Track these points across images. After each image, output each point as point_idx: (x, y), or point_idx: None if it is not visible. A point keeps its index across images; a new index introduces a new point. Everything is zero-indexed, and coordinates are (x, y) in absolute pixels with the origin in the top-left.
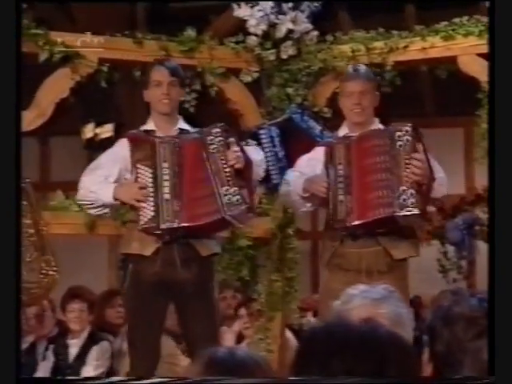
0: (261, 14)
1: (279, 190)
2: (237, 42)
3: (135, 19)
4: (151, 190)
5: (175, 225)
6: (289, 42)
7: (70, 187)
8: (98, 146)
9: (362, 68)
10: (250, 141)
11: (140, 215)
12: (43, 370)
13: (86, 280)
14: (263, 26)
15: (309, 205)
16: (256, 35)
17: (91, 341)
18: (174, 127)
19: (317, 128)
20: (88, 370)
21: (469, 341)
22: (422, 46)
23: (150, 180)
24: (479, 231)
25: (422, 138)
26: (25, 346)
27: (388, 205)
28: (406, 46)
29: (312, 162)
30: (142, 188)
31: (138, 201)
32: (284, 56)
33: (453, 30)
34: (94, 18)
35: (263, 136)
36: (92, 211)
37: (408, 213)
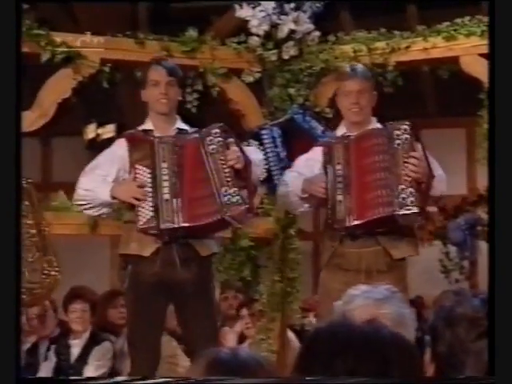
0: (263, 14)
1: (277, 191)
2: (239, 43)
3: (137, 19)
4: (150, 190)
5: (175, 225)
6: (291, 43)
7: (72, 188)
8: (100, 147)
9: (360, 67)
10: (251, 141)
11: (138, 215)
12: (45, 370)
13: (87, 280)
14: (265, 27)
15: (307, 205)
16: (258, 35)
17: (93, 341)
18: (172, 127)
19: (319, 128)
20: (90, 371)
21: (471, 341)
22: (423, 47)
23: (149, 180)
24: (481, 231)
25: (420, 136)
26: (27, 346)
27: (387, 204)
28: (407, 47)
29: (310, 163)
30: (140, 186)
31: (137, 199)
32: (286, 56)
33: (455, 30)
34: (95, 18)
35: (265, 136)
36: (89, 212)
37: (408, 211)
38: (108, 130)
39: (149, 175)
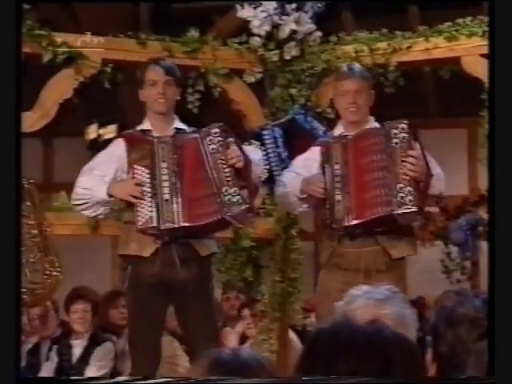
0: (264, 14)
1: (276, 192)
2: (240, 43)
3: (139, 20)
4: (148, 189)
5: (175, 225)
6: (292, 43)
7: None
8: (101, 147)
9: (357, 67)
10: (253, 141)
11: (138, 216)
12: (47, 370)
13: (89, 281)
14: (266, 27)
15: (306, 206)
16: (259, 36)
17: (95, 341)
18: (171, 127)
19: (320, 129)
20: (91, 371)
21: (472, 342)
22: (425, 47)
23: (148, 180)
24: (483, 232)
25: (418, 134)
26: (28, 346)
27: (386, 203)
28: (409, 47)
29: (308, 162)
30: (137, 184)
31: (135, 197)
32: (287, 57)
33: (456, 30)
34: (97, 18)
35: (266, 137)
36: (86, 212)
37: (406, 210)
38: (109, 131)
39: (147, 175)
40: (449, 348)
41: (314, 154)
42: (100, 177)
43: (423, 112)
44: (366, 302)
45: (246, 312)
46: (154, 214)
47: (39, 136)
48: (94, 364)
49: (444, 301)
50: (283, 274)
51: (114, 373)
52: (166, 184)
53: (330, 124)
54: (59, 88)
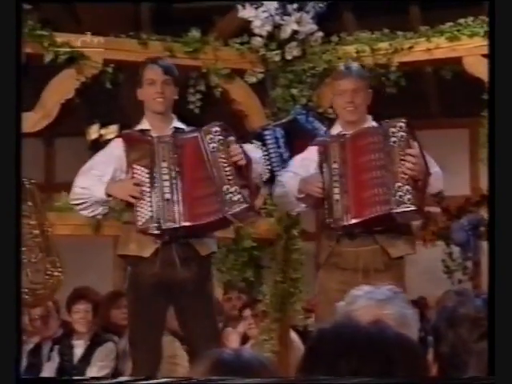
0: (265, 14)
1: (274, 192)
2: (241, 43)
3: (140, 20)
4: (148, 189)
5: (176, 224)
6: (293, 43)
7: None
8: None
9: (354, 66)
10: (254, 142)
11: (137, 215)
12: (48, 370)
13: (91, 281)
14: (268, 27)
15: (304, 205)
16: (261, 36)
17: (96, 342)
18: (169, 126)
19: (322, 129)
20: (93, 371)
21: (474, 342)
22: (426, 47)
23: (147, 180)
24: (484, 232)
25: (416, 133)
26: (30, 346)
27: (384, 202)
28: (410, 47)
29: (305, 162)
30: (136, 184)
31: (134, 197)
32: (289, 57)
33: (458, 30)
34: (98, 18)
35: (268, 137)
36: (85, 212)
37: (405, 209)
38: (111, 131)
39: (147, 175)
40: (450, 348)
41: (311, 154)
42: (98, 177)
43: (425, 112)
44: (368, 302)
45: (247, 312)
46: (155, 214)
47: (41, 136)
48: (96, 364)
49: (445, 301)
50: (284, 274)
51: (116, 373)
52: (166, 183)
53: (332, 124)
54: (61, 88)
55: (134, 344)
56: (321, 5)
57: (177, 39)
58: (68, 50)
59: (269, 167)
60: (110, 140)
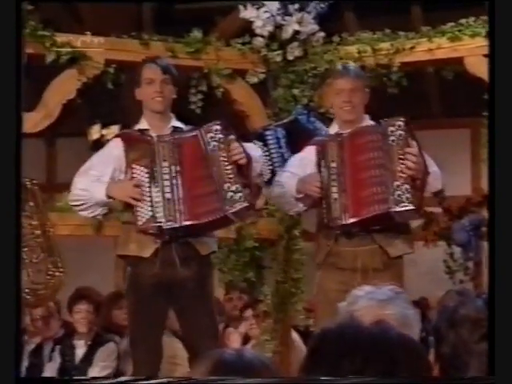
0: (267, 15)
1: (272, 192)
2: (243, 43)
3: (142, 20)
4: (148, 189)
5: (177, 224)
6: (295, 43)
7: None
8: None
9: (352, 66)
10: (256, 142)
11: (137, 215)
12: (50, 370)
13: (92, 281)
14: (269, 28)
15: (302, 205)
16: (262, 36)
17: (98, 342)
18: (168, 125)
19: (323, 129)
20: (95, 371)
21: (475, 342)
22: (428, 47)
23: (147, 180)
24: (485, 232)
25: (414, 132)
26: (31, 347)
27: (383, 201)
28: (412, 47)
29: (303, 162)
30: (136, 186)
31: (134, 199)
32: (290, 57)
33: (459, 30)
34: (100, 19)
35: (269, 137)
36: (84, 213)
37: (403, 208)
38: (112, 131)
39: (146, 175)
40: (451, 349)
41: (309, 153)
42: (97, 177)
43: (426, 112)
44: (369, 302)
45: (248, 312)
46: (156, 214)
47: (42, 136)
48: (97, 364)
49: (446, 301)
50: (286, 274)
51: (117, 373)
52: (167, 183)
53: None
54: (62, 88)
55: (135, 344)
56: (322, 5)
57: (178, 39)
58: (70, 50)
59: (270, 167)
60: None
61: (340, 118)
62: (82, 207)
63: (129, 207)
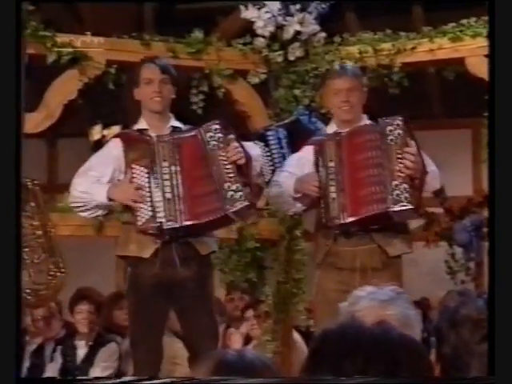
0: (268, 15)
1: (270, 192)
2: (244, 44)
3: (143, 21)
4: (148, 189)
5: (178, 224)
6: (296, 44)
7: None
8: None
9: (349, 65)
10: (257, 142)
11: (137, 216)
12: (51, 371)
13: (93, 281)
14: (271, 28)
15: (300, 205)
16: (263, 37)
17: (99, 342)
18: (167, 125)
19: (324, 129)
20: (96, 372)
21: (475, 343)
22: (429, 48)
23: (146, 180)
24: (487, 233)
25: (413, 131)
26: (32, 347)
27: (381, 200)
28: (413, 48)
29: (301, 161)
30: (137, 188)
31: (135, 201)
32: (291, 57)
33: (460, 31)
34: (101, 19)
35: (271, 137)
36: (85, 214)
37: (402, 208)
38: (113, 132)
39: (146, 175)
40: (452, 349)
41: (307, 153)
42: (97, 178)
43: (427, 113)
44: (370, 303)
45: (249, 313)
46: (156, 214)
47: (43, 137)
48: (99, 365)
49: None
50: (287, 274)
51: (119, 373)
52: (167, 183)
53: None
54: (63, 89)
55: (135, 344)
56: (323, 5)
57: (180, 40)
58: (71, 50)
59: (271, 168)
60: None
61: (338, 117)
62: (82, 209)
63: (128, 208)
